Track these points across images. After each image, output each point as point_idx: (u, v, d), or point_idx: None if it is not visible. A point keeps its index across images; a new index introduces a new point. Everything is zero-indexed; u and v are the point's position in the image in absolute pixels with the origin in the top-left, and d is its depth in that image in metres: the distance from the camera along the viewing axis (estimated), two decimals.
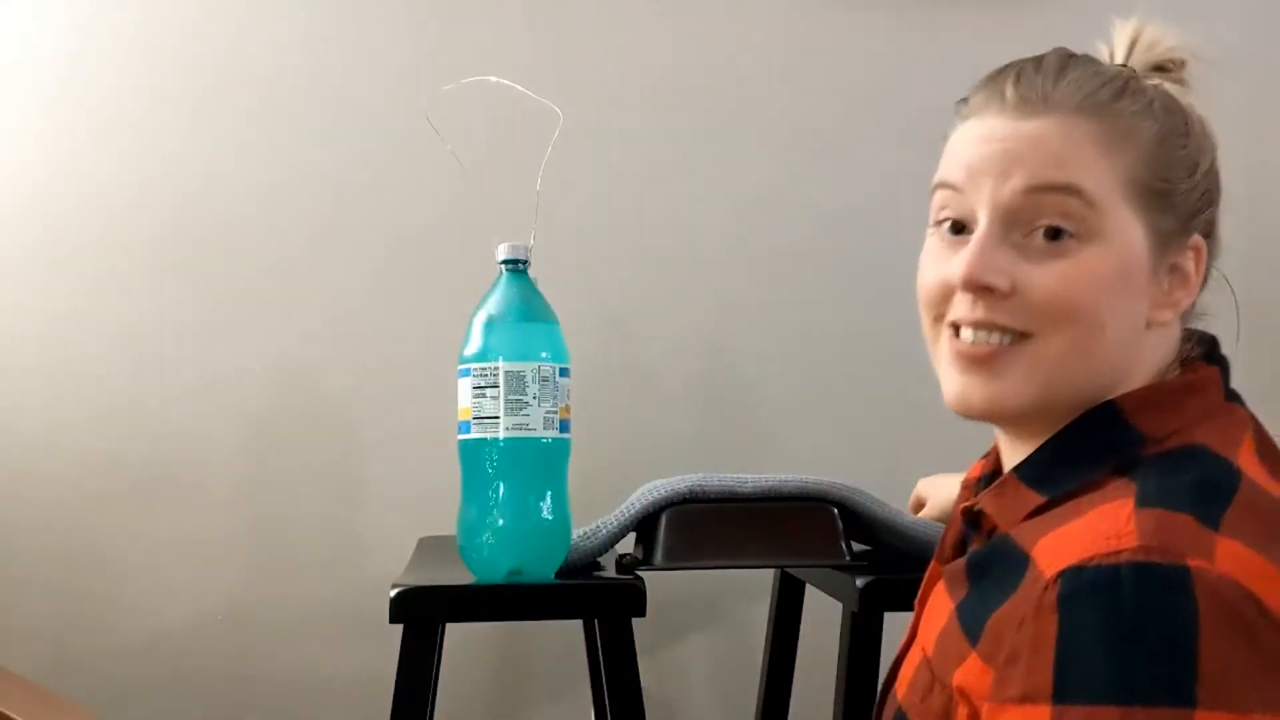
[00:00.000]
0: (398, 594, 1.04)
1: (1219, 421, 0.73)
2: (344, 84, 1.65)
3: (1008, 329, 0.73)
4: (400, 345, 1.63)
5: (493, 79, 1.21)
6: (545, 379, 1.07)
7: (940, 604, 0.78)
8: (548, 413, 1.07)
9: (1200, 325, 0.80)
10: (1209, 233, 0.77)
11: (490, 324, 1.09)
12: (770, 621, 1.52)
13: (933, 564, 0.86)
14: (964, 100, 0.79)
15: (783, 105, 1.71)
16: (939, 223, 0.77)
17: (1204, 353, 0.78)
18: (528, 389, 1.06)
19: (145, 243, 1.61)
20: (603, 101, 1.66)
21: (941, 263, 0.76)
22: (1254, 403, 0.77)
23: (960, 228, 0.76)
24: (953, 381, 0.76)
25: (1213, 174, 0.77)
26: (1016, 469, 0.75)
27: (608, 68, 1.68)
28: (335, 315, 1.63)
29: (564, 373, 1.10)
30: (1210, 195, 0.77)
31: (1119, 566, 0.61)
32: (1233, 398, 0.76)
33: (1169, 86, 0.78)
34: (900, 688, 0.79)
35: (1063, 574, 0.62)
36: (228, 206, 1.62)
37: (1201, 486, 0.66)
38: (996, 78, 0.77)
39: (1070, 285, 0.71)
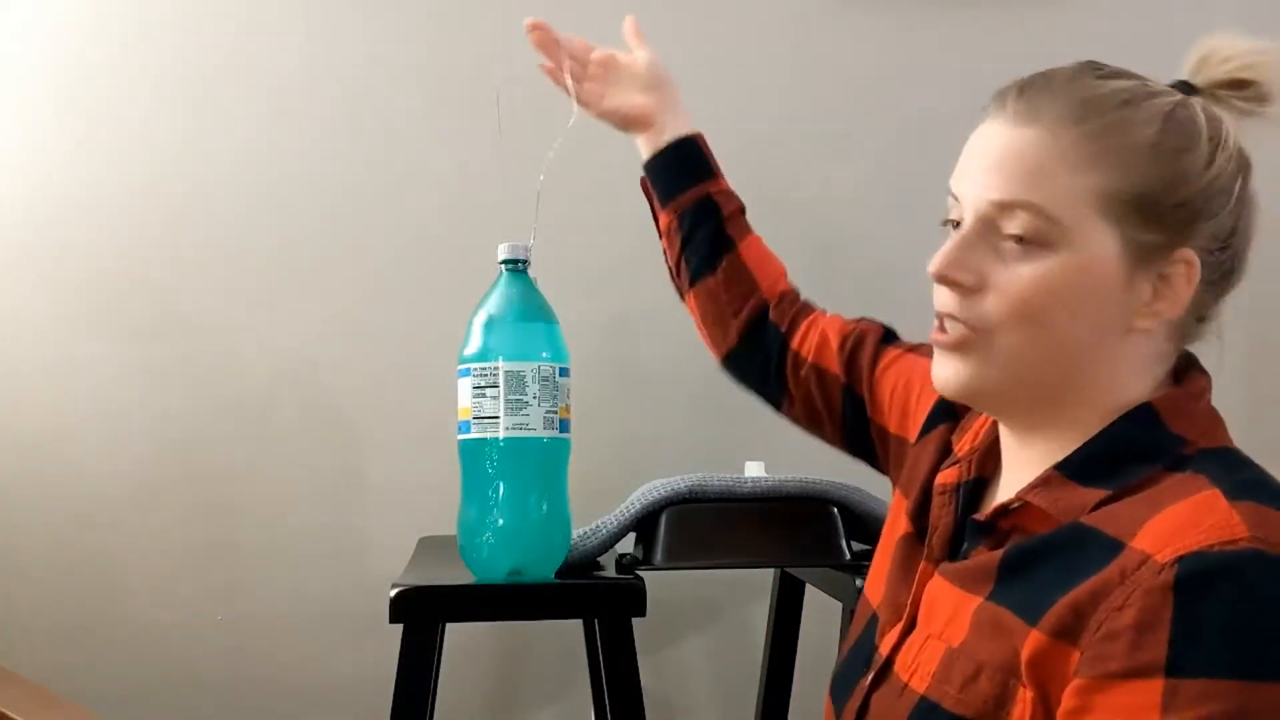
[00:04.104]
0: (398, 594, 1.04)
1: (1220, 427, 0.79)
2: (345, 84, 1.64)
3: (968, 323, 0.79)
4: (400, 345, 1.63)
5: (493, 79, 1.22)
6: (545, 379, 1.07)
7: (949, 599, 0.80)
8: (548, 413, 1.07)
9: (1203, 339, 0.82)
10: (1221, 247, 0.78)
11: (490, 324, 1.09)
12: (770, 621, 1.52)
13: (924, 564, 0.87)
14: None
15: (784, 104, 1.71)
16: (945, 222, 0.83)
17: (1191, 364, 0.82)
18: (528, 389, 1.06)
19: (146, 242, 1.61)
20: None
21: None
22: (1260, 403, 0.77)
23: (959, 226, 0.81)
24: (933, 364, 0.83)
25: (1217, 191, 0.78)
26: (1059, 467, 0.79)
27: None
28: (335, 315, 1.63)
29: (564, 373, 1.09)
30: (1206, 211, 0.78)
31: (1238, 554, 0.67)
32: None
33: (1231, 104, 0.79)
34: (915, 679, 0.80)
35: (1182, 559, 0.67)
36: (228, 207, 1.62)
37: (1267, 484, 0.73)
38: (1010, 85, 0.80)
39: (1028, 289, 0.76)
